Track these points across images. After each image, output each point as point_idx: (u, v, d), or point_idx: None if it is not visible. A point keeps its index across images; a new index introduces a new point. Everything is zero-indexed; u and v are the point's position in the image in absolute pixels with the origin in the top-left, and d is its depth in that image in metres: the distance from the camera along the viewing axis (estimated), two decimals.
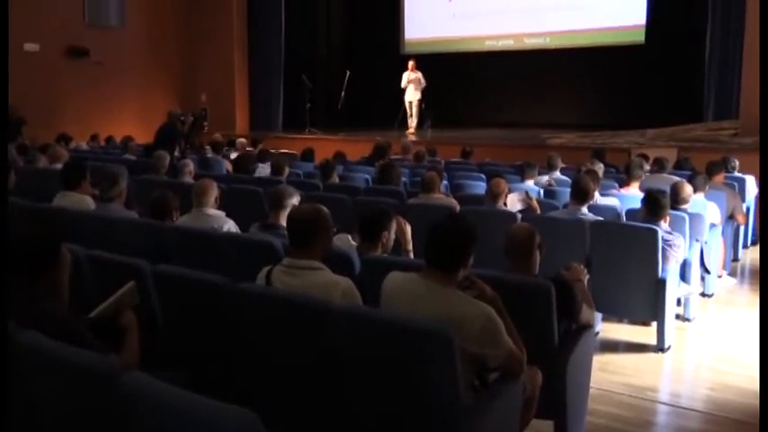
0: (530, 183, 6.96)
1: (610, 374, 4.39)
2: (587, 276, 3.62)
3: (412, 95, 14.33)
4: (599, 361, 4.40)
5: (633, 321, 5.37)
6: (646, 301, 4.88)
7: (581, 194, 5.19)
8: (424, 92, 14.35)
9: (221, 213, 4.56)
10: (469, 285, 2.67)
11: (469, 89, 16.14)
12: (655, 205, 4.97)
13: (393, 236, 3.67)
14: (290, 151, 10.71)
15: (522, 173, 7.10)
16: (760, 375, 2.97)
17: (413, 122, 14.41)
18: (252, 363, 2.81)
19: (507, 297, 2.73)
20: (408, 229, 4.01)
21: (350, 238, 3.85)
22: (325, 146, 11.93)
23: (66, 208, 4.77)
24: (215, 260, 3.73)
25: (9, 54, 8.45)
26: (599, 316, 4.92)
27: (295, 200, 4.11)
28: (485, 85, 15.99)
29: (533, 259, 3.34)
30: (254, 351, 2.80)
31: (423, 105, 14.47)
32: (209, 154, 9.71)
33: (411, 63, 14.36)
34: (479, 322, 2.46)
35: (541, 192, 6.80)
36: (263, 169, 7.83)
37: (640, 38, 14.43)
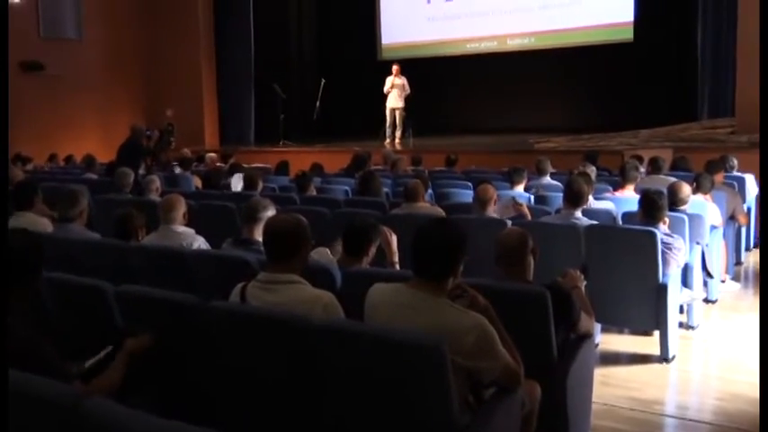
0: (519, 189, 6.93)
1: (612, 388, 4.36)
2: (584, 283, 3.59)
3: (395, 102, 14.14)
4: (600, 374, 4.36)
5: (634, 331, 5.34)
6: (647, 309, 4.83)
7: (575, 198, 5.14)
8: (407, 99, 14.19)
9: (190, 230, 4.50)
10: (461, 294, 2.64)
11: (452, 94, 16.11)
12: (652, 206, 4.94)
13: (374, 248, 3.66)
14: (264, 165, 10.64)
15: (511, 179, 7.05)
16: (760, 376, 2.97)
17: (398, 133, 14.24)
18: (229, 384, 2.76)
19: (501, 306, 2.69)
20: (394, 239, 3.97)
21: (328, 251, 3.81)
22: (300, 159, 11.82)
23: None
24: (185, 279, 3.69)
25: None
26: (598, 326, 4.86)
27: (270, 212, 4.04)
28: (468, 90, 15.99)
29: (527, 265, 3.30)
30: (232, 371, 2.75)
31: (404, 114, 14.30)
32: (177, 170, 9.63)
33: (395, 67, 14.22)
34: (473, 334, 2.42)
35: (532, 198, 6.76)
36: (235, 184, 7.75)
37: (629, 35, 14.52)
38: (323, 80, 15.09)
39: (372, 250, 3.61)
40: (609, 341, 5.20)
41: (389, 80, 14.13)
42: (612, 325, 5.25)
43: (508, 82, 15.46)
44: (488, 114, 15.95)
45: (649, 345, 5.09)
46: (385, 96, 14.23)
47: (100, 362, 2.63)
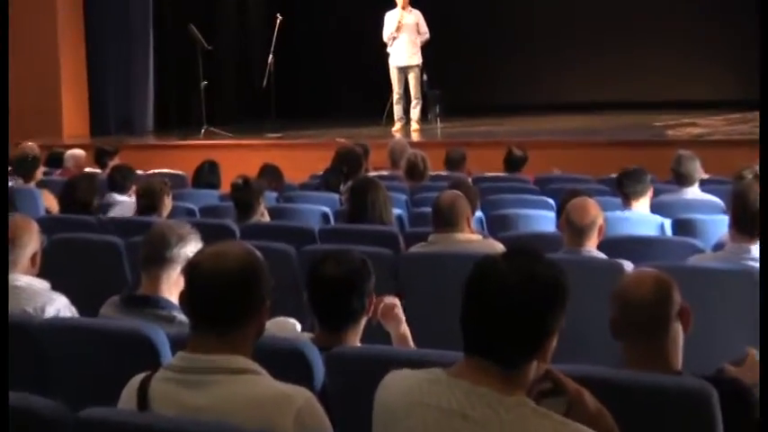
0: (640, 208, 6.07)
1: None
2: None
3: (406, 57, 10.91)
4: None
5: None
6: None
7: (750, 223, 4.36)
8: (426, 49, 11.09)
9: (42, 284, 3.78)
10: (553, 390, 2.31)
11: (509, 46, 13.10)
12: None
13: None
14: (172, 171, 9.30)
15: (624, 191, 6.10)
16: (760, 377, 2.92)
17: (416, 111, 11.36)
18: None
19: (628, 413, 2.40)
20: (401, 315, 3.32)
21: (295, 322, 3.35)
22: (240, 158, 9.99)
23: None
24: (36, 371, 3.28)
25: None
26: None
27: (191, 247, 3.40)
28: (538, 39, 12.87)
29: (671, 339, 2.75)
30: None
31: (425, 78, 11.52)
32: (12, 182, 8.25)
33: None
34: None
35: (667, 225, 6.01)
36: (122, 204, 7.01)
37: None
38: (279, 18, 11.57)
39: (363, 319, 3.12)
40: None
41: (393, 18, 10.82)
42: None
43: (608, 26, 12.45)
44: (575, 80, 12.81)
45: None
46: (385, 47, 11.02)
47: None
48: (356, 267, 3.24)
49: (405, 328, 3.38)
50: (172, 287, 3.28)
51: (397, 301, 3.40)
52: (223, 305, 2.42)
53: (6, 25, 9.35)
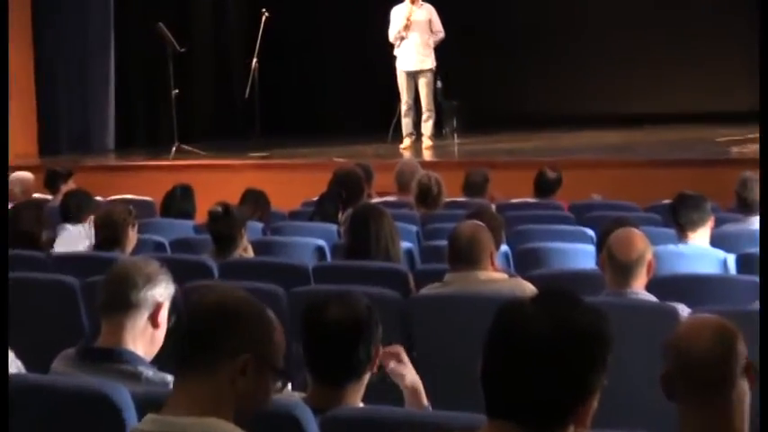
0: (699, 240, 5.95)
1: None
2: None
3: (416, 60, 10.56)
4: None
5: None
6: None
7: None
8: (439, 54, 10.65)
9: None
10: None
11: (535, 55, 12.72)
12: None
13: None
14: (138, 197, 9.22)
15: (679, 221, 5.98)
16: (760, 377, 2.99)
17: (428, 125, 11.00)
18: None
19: None
20: (411, 374, 3.28)
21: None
22: (218, 181, 10.03)
23: None
24: None
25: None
26: None
27: (160, 289, 3.31)
28: (568, 45, 12.60)
29: (736, 400, 2.68)
30: None
31: (439, 85, 11.11)
32: None
33: None
34: None
35: (730, 261, 5.83)
36: (73, 235, 6.90)
37: None
38: (265, 14, 11.25)
39: (367, 374, 3.09)
40: None
41: (400, 14, 10.47)
42: None
43: (654, 22, 12.15)
44: (616, 88, 12.53)
45: None
46: (391, 48, 10.66)
47: None
48: (362, 312, 3.19)
49: (413, 380, 3.31)
50: (138, 338, 3.22)
51: (400, 349, 3.33)
52: (199, 355, 2.41)
53: (6, 26, 9.62)
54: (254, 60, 11.31)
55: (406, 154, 10.47)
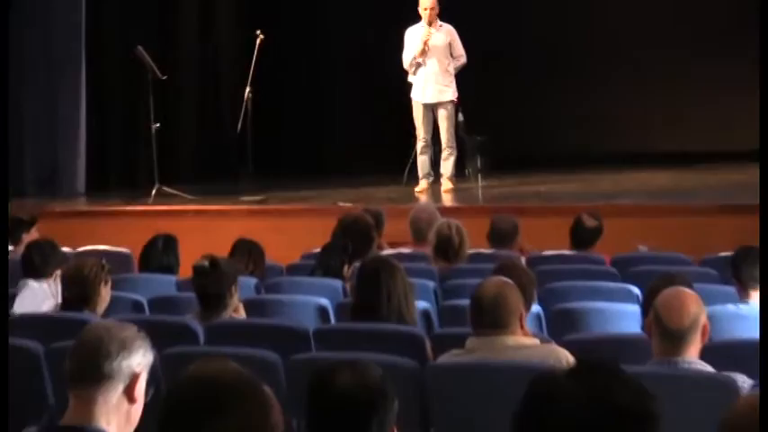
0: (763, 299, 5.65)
1: None
2: None
3: (435, 91, 10.36)
4: None
5: None
6: None
7: None
8: (461, 83, 10.42)
9: None
10: None
11: (570, 87, 12.86)
12: None
13: None
14: (112, 248, 9.31)
15: (740, 276, 5.97)
16: (760, 377, 3.39)
17: (448, 164, 10.85)
18: None
19: None
20: None
21: None
22: (205, 229, 10.16)
23: None
24: None
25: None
26: None
27: (137, 358, 3.35)
28: (609, 75, 12.74)
29: None
30: None
31: (461, 119, 11.03)
32: None
33: (429, 6, 10.26)
34: None
35: None
36: (36, 292, 6.93)
37: None
38: (260, 36, 11.25)
39: None
40: None
41: (415, 36, 10.26)
42: None
43: (702, 50, 12.17)
44: (660, 123, 12.61)
45: None
46: (405, 75, 10.46)
47: None
48: (376, 382, 3.28)
49: None
50: (111, 414, 3.27)
51: None
52: None
53: (6, 27, 9.88)
54: (248, 89, 11.37)
55: (423, 198, 10.47)
